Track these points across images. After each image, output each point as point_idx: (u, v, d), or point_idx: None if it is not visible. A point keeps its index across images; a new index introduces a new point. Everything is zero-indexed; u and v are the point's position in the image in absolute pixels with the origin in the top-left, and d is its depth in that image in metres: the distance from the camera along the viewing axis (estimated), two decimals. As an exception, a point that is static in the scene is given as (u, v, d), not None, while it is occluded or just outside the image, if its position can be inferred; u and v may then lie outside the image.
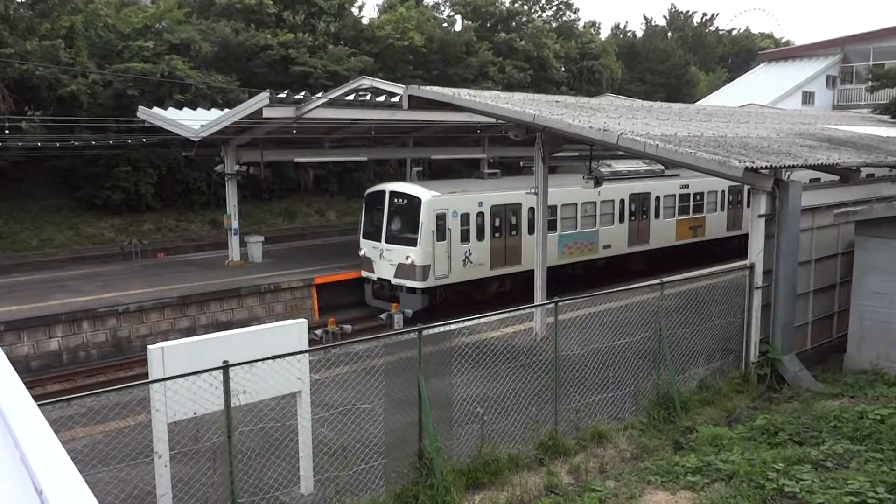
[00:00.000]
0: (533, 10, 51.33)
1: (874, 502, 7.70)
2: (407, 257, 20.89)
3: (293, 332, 8.44)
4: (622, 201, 25.95)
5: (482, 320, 13.05)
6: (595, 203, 24.95)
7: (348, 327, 19.37)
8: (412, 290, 21.06)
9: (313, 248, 29.57)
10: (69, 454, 1.94)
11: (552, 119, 13.47)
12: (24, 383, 2.36)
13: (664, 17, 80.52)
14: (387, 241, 21.56)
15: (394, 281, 21.36)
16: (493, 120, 17.81)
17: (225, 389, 7.52)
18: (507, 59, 43.96)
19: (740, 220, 29.74)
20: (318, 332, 18.41)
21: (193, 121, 23.40)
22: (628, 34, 63.06)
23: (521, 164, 30.06)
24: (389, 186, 22.33)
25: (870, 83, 38.75)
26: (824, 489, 8.04)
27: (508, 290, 22.91)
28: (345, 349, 12.34)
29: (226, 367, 7.52)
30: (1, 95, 25.58)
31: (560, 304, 10.47)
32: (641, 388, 11.46)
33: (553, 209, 23.09)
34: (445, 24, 44.62)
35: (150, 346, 7.62)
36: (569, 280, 23.49)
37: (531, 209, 21.60)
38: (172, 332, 19.93)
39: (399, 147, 30.04)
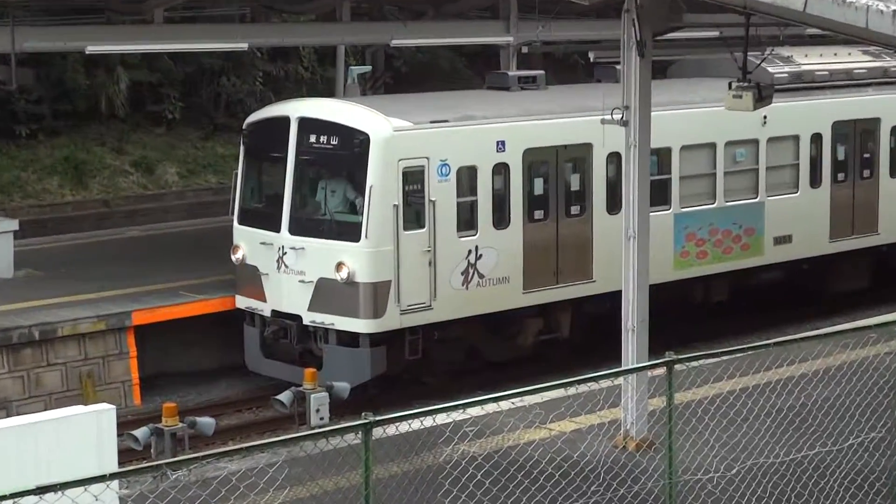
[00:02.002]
0: None
1: None
2: (339, 266, 21.01)
3: (85, 432, 8.41)
4: (816, 139, 26.12)
5: (504, 405, 13.04)
6: (756, 143, 25.12)
7: (209, 422, 19.38)
8: (350, 339, 21.23)
9: (129, 245, 29.52)
10: None
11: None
12: None
13: None
14: (293, 231, 21.75)
15: (308, 319, 21.52)
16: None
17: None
18: None
19: None
20: (142, 432, 18.44)
21: None
22: None
23: (592, 58, 30.08)
24: (299, 109, 22.48)
25: None
26: None
27: (564, 338, 23.01)
28: (200, 472, 12.30)
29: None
30: None
31: (679, 366, 10.47)
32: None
33: (663, 157, 23.26)
34: None
35: None
36: (697, 313, 23.56)
37: (612, 157, 21.64)
38: None
39: (320, 22, 30.11)
